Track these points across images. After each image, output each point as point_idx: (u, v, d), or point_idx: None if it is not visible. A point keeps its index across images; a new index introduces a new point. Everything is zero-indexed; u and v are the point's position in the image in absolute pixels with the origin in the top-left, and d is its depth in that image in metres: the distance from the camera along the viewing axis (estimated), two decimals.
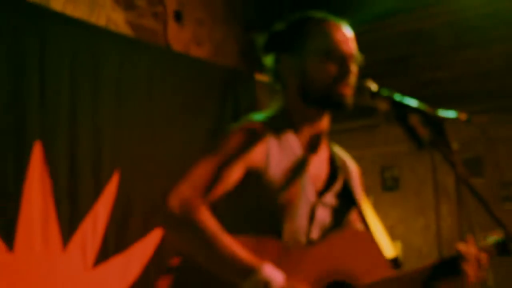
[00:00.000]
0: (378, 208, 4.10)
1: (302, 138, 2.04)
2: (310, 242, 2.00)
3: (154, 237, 3.72)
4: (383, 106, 1.96)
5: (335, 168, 2.14)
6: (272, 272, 1.72)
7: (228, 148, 1.86)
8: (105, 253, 3.46)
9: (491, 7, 4.13)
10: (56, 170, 3.27)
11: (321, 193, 2.06)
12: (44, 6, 3.42)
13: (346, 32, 2.06)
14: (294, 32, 2.07)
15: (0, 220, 3.02)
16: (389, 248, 3.78)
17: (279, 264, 1.78)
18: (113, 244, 3.50)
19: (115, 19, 3.84)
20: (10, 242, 3.04)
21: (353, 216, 2.16)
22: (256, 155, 1.90)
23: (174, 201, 1.73)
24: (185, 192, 1.76)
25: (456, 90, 4.22)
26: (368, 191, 4.21)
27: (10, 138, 3.11)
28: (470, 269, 1.98)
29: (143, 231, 3.68)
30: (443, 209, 4.30)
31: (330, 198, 2.10)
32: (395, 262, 3.69)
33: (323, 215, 2.07)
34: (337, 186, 2.12)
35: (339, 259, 1.96)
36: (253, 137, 1.90)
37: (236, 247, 1.74)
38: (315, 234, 2.04)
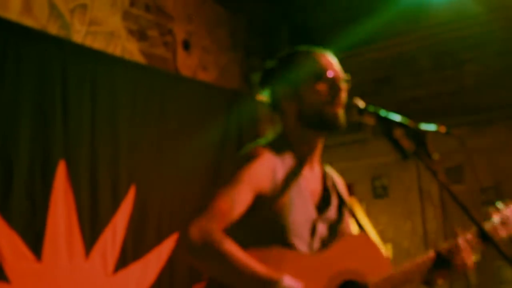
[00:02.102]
0: (369, 214, 4.10)
1: (300, 158, 2.02)
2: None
3: (167, 245, 3.69)
4: (370, 121, 1.95)
5: (327, 184, 2.13)
6: (291, 282, 1.71)
7: (239, 178, 1.83)
8: (124, 260, 3.44)
9: (462, 32, 4.15)
10: (79, 186, 3.27)
11: (320, 209, 2.05)
12: (67, 38, 3.44)
13: (331, 58, 2.08)
14: (285, 64, 2.08)
15: (29, 233, 3.00)
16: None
17: (293, 271, 1.77)
18: (131, 252, 3.49)
19: (130, 49, 3.85)
20: (38, 252, 3.03)
21: (344, 225, 2.16)
22: (264, 182, 1.87)
23: (194, 232, 1.69)
24: (203, 222, 1.71)
25: (434, 106, 4.23)
26: (360, 198, 4.24)
27: (37, 158, 3.10)
28: (458, 260, 2.09)
29: (158, 240, 3.66)
30: (428, 213, 4.29)
31: (331, 213, 2.09)
32: None
33: (322, 229, 2.05)
34: (335, 201, 2.12)
35: (346, 261, 1.95)
36: (260, 164, 1.88)
37: (255, 264, 1.72)
38: (316, 246, 2.01)
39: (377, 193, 4.60)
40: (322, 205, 2.07)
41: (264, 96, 2.14)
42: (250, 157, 1.89)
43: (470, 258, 2.17)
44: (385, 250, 3.88)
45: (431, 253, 2.15)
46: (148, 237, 3.61)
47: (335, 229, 2.12)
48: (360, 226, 2.19)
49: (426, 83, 4.37)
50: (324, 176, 2.14)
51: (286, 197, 1.92)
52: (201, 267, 1.76)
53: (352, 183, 4.15)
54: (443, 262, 2.13)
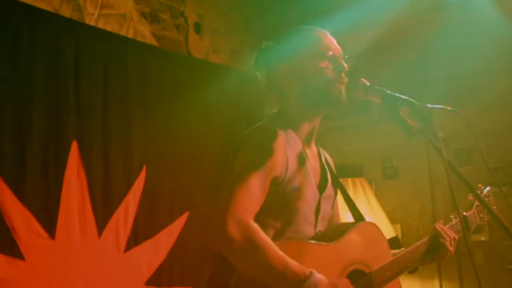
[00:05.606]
0: (379, 194, 4.06)
1: (300, 136, 1.99)
2: (317, 234, 1.98)
3: (178, 225, 3.69)
4: (376, 99, 1.93)
5: (322, 162, 2.11)
6: (318, 276, 1.71)
7: (260, 165, 1.78)
8: (136, 239, 3.44)
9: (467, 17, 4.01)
10: (91, 167, 3.26)
11: (321, 187, 2.03)
12: (80, 21, 3.40)
13: (331, 36, 2.05)
14: (284, 43, 2.03)
15: (43, 212, 3.01)
16: (388, 230, 3.73)
17: (311, 262, 1.78)
18: (142, 231, 3.48)
19: (142, 32, 3.82)
20: (52, 231, 3.04)
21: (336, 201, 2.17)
22: (279, 171, 1.84)
23: (233, 228, 1.64)
24: (239, 217, 1.67)
25: (445, 88, 4.12)
26: (370, 179, 4.20)
27: (50, 139, 3.10)
28: (447, 243, 2.20)
29: (168, 220, 3.65)
30: (437, 194, 4.25)
31: (329, 190, 2.07)
32: (395, 241, 3.64)
33: (326, 207, 2.05)
34: (329, 177, 2.09)
35: (356, 250, 1.98)
36: (277, 151, 1.83)
37: (287, 260, 1.71)
38: (321, 225, 2.02)
39: (387, 174, 4.56)
40: (322, 183, 2.05)
41: (260, 76, 2.07)
42: (267, 143, 1.84)
43: (454, 244, 2.24)
44: (393, 230, 3.85)
45: (423, 240, 2.20)
46: (159, 216, 3.60)
47: (333, 207, 2.13)
48: (350, 203, 2.19)
49: (435, 65, 4.26)
50: (319, 154, 2.11)
51: (297, 183, 1.89)
52: (238, 260, 1.71)
53: (362, 164, 4.11)
54: (433, 247, 2.20)
